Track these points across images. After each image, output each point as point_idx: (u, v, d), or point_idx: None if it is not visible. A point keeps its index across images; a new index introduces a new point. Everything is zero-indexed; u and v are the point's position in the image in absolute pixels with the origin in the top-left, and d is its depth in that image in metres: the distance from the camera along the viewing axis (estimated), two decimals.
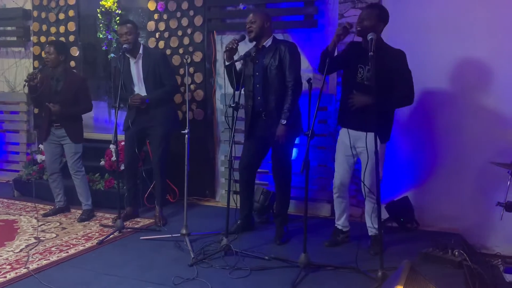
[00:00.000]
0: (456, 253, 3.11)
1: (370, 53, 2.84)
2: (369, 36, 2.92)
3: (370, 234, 3.43)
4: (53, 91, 4.11)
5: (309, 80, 3.18)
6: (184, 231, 3.51)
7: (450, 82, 3.95)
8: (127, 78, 4.09)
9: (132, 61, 4.07)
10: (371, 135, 2.99)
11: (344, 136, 3.39)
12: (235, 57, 3.57)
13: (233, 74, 3.54)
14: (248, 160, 3.73)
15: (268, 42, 3.57)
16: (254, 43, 3.63)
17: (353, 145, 3.32)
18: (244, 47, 4.59)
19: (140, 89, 4.08)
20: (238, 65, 3.69)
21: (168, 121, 4.13)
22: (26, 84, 4.02)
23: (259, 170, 3.93)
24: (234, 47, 3.48)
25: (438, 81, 3.97)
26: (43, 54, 4.51)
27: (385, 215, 3.90)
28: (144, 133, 4.14)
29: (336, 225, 3.60)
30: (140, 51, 4.05)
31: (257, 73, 3.53)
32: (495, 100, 3.81)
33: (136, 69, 4.06)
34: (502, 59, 3.77)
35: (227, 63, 3.54)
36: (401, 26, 4.00)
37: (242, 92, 3.64)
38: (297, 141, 4.38)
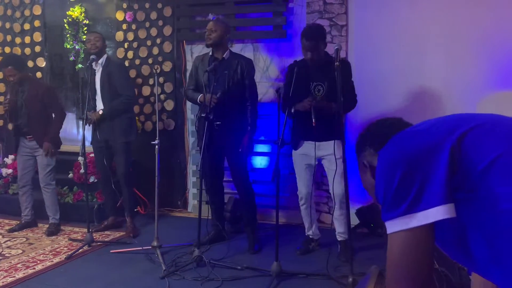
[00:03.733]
0: None
1: (336, 63, 2.90)
2: (335, 47, 2.98)
3: (339, 239, 3.48)
4: (19, 104, 4.04)
5: (278, 90, 3.22)
6: (155, 243, 3.47)
7: (415, 91, 4.06)
8: (92, 88, 4.08)
9: (96, 70, 4.08)
10: (333, 143, 3.24)
11: (303, 148, 3.47)
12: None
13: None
14: (209, 171, 3.74)
15: (227, 55, 3.63)
16: (209, 51, 3.68)
17: (316, 155, 3.39)
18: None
19: (99, 100, 4.09)
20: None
21: (124, 132, 4.09)
22: (6, 111, 4.03)
23: (229, 179, 3.93)
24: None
25: (404, 90, 4.09)
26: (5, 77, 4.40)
27: (355, 221, 3.96)
28: (108, 145, 4.13)
29: (307, 234, 3.63)
30: (100, 61, 4.05)
31: (215, 84, 3.54)
32: (455, 108, 3.94)
33: (97, 77, 4.08)
34: (460, 68, 3.91)
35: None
36: (371, 38, 4.12)
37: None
38: (268, 149, 4.42)
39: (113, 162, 4.27)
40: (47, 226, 4.19)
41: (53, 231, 4.10)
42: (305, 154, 3.47)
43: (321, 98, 3.34)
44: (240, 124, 3.62)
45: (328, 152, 3.32)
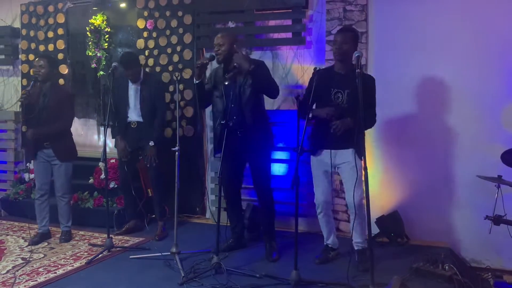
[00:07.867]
0: (447, 267, 3.12)
1: (357, 71, 2.88)
2: (356, 54, 2.97)
3: (356, 248, 3.42)
4: (41, 108, 3.99)
5: (297, 97, 3.21)
6: (174, 250, 3.48)
7: (437, 99, 4.01)
8: (123, 98, 4.20)
9: (131, 82, 4.20)
10: (351, 151, 3.25)
11: (322, 155, 3.43)
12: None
13: (204, 91, 3.61)
14: (229, 179, 3.73)
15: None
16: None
17: (333, 163, 3.35)
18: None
19: (132, 112, 4.21)
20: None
21: (159, 140, 4.19)
22: (22, 102, 3.91)
23: (248, 186, 3.93)
24: (205, 62, 3.51)
25: (425, 97, 4.04)
26: (31, 72, 4.47)
27: (375, 230, 3.91)
28: (137, 151, 4.25)
29: (326, 243, 3.59)
30: (141, 76, 4.18)
31: (231, 93, 3.52)
32: (480, 115, 3.88)
33: (134, 91, 4.18)
34: (484, 75, 3.85)
35: (196, 81, 3.55)
36: (392, 45, 4.09)
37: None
38: (287, 156, 4.41)
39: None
40: (58, 231, 4.24)
41: (67, 239, 4.15)
42: (322, 160, 3.44)
43: (342, 105, 3.29)
44: (262, 129, 3.60)
45: (344, 160, 3.30)
